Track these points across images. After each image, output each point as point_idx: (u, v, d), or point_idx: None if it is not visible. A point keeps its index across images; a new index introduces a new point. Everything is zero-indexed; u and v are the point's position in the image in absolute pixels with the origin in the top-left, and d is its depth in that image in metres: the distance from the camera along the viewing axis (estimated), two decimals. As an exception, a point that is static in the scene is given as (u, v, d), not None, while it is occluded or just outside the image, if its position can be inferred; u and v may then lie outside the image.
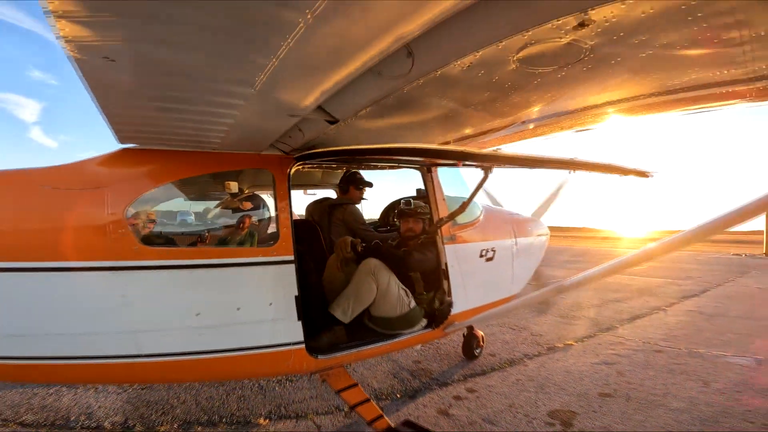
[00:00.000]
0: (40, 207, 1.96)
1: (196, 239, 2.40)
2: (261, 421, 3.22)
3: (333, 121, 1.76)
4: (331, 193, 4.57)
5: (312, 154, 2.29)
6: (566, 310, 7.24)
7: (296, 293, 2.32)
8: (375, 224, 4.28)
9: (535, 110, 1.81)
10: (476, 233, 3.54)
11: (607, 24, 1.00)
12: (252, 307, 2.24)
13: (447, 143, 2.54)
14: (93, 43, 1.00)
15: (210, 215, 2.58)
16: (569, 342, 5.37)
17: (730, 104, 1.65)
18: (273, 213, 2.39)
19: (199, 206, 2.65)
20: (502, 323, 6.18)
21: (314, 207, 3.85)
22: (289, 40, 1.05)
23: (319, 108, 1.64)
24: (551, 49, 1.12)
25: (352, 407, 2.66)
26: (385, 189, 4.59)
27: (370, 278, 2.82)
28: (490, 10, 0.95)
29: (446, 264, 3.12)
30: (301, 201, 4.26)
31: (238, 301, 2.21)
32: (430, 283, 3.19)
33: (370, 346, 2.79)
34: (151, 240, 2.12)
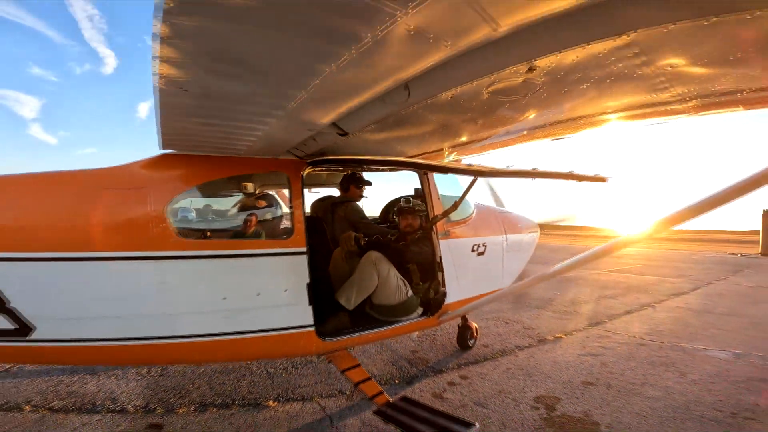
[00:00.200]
0: (94, 204, 2.36)
1: (223, 232, 2.82)
2: (270, 403, 3.62)
3: (343, 134, 2.19)
4: (333, 191, 5.01)
5: (323, 160, 2.74)
6: (559, 305, 7.70)
7: (308, 281, 2.75)
8: (375, 220, 4.72)
9: (514, 124, 2.24)
10: (469, 229, 3.99)
11: (549, 68, 1.42)
12: (270, 293, 2.66)
13: (441, 150, 2.98)
14: (176, 78, 1.42)
15: (235, 212, 3.02)
16: (559, 335, 5.83)
17: (672, 118, 2.09)
18: (288, 210, 2.84)
19: (226, 204, 3.09)
20: (496, 317, 6.65)
21: (318, 204, 4.30)
22: (317, 80, 1.48)
23: (333, 124, 2.07)
24: (512, 85, 1.56)
25: (356, 384, 3.08)
26: (387, 188, 5.02)
27: (372, 269, 3.26)
28: (464, 61, 1.37)
29: (440, 257, 3.57)
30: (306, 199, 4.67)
31: (258, 287, 2.63)
32: (426, 275, 3.65)
33: (371, 331, 3.22)
34: (186, 233, 2.54)
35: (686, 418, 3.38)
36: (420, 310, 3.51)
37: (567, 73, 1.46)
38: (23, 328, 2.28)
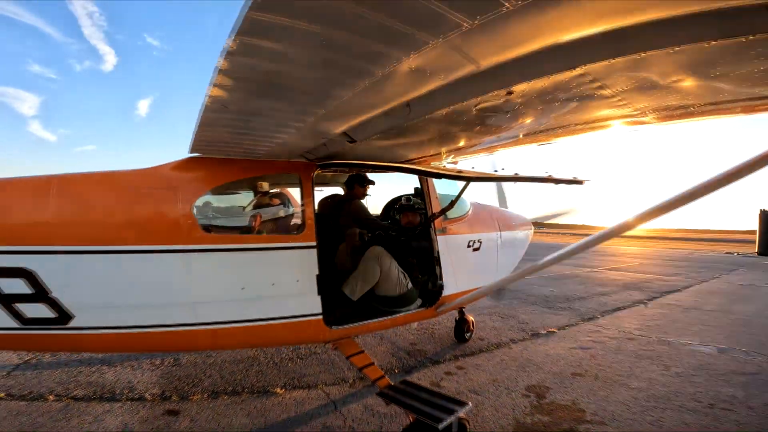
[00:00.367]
0: (129, 202, 2.72)
1: (242, 228, 3.19)
2: (278, 390, 3.97)
3: (352, 141, 2.56)
4: (336, 189, 5.39)
5: (332, 163, 3.13)
6: (554, 302, 8.11)
7: (317, 272, 3.12)
8: (377, 217, 5.11)
9: (501, 133, 2.63)
10: (465, 226, 4.38)
11: (524, 92, 1.80)
12: (283, 283, 3.03)
13: (439, 153, 3.36)
14: (222, 98, 1.79)
15: (252, 209, 3.40)
16: (552, 329, 6.23)
17: (640, 126, 2.47)
18: (300, 208, 3.22)
19: (245, 201, 3.47)
20: (492, 312, 7.05)
21: (325, 202, 4.71)
22: (335, 102, 1.86)
23: (343, 133, 2.44)
24: (495, 104, 1.94)
25: (360, 369, 3.44)
26: (389, 187, 5.44)
27: (374, 262, 3.63)
28: (455, 88, 1.74)
29: (438, 252, 3.96)
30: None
31: (273, 278, 2.99)
32: (424, 268, 4.04)
33: (373, 320, 3.59)
34: (210, 228, 2.91)
35: (666, 407, 3.69)
36: (419, 302, 3.90)
37: (539, 95, 1.84)
38: (63, 317, 2.60)
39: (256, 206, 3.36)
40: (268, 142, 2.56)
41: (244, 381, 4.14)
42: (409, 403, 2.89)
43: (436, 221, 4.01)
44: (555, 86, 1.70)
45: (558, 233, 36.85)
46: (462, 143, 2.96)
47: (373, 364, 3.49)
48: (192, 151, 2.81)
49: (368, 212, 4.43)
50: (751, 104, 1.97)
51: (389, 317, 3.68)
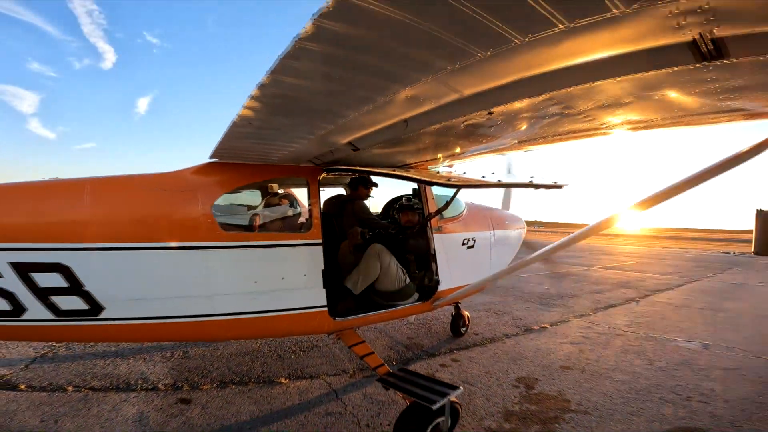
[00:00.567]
0: (155, 203, 3.10)
1: (255, 226, 3.57)
2: (282, 380, 4.37)
3: (356, 149, 2.96)
4: (338, 190, 5.80)
5: (337, 168, 3.56)
6: (549, 299, 8.55)
7: (323, 267, 3.51)
8: (377, 216, 5.51)
9: (490, 143, 3.04)
10: (460, 225, 4.79)
11: (503, 112, 2.20)
12: (292, 277, 3.42)
13: (436, 158, 3.77)
14: (249, 116, 2.18)
15: (264, 209, 3.80)
16: (545, 325, 6.66)
17: (610, 136, 2.88)
18: (307, 208, 3.62)
19: (258, 202, 3.88)
20: (487, 308, 7.48)
21: (330, 202, 5.14)
22: (342, 120, 2.27)
23: (348, 142, 2.84)
24: (479, 122, 2.35)
25: (361, 357, 3.84)
26: (388, 188, 5.86)
27: (375, 259, 4.03)
28: (444, 109, 2.15)
29: (434, 249, 4.37)
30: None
31: (283, 272, 3.39)
32: (421, 265, 4.46)
33: (374, 313, 3.99)
34: (227, 227, 3.29)
35: (647, 399, 4.02)
36: (416, 296, 4.31)
37: (516, 114, 2.24)
38: (95, 309, 2.96)
39: (268, 206, 3.77)
40: (282, 150, 2.97)
41: (250, 372, 4.53)
42: (406, 388, 3.24)
43: (433, 220, 4.42)
44: (528, 107, 2.10)
45: (557, 233, 37.39)
46: (455, 150, 3.37)
47: (373, 353, 3.90)
48: (212, 157, 3.20)
49: (370, 212, 4.84)
50: (706, 117, 2.37)
51: (388, 310, 4.08)
